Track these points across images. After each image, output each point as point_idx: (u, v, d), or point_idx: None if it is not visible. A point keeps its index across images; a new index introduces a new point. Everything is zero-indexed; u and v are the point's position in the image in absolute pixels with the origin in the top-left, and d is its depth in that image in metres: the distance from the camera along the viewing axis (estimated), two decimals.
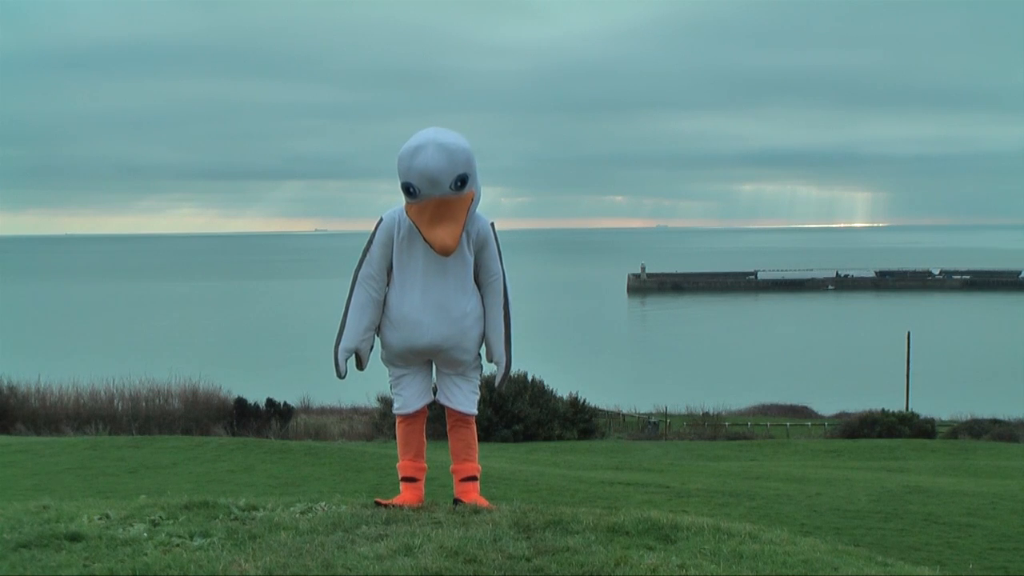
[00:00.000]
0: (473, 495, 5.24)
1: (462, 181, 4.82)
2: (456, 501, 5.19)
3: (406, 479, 5.31)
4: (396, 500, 5.23)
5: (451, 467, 5.33)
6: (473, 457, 5.29)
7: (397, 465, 5.36)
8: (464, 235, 4.98)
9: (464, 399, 5.17)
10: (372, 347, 5.13)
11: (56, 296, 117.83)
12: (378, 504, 5.20)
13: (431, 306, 4.95)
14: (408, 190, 4.83)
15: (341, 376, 5.02)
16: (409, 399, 5.19)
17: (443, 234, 4.78)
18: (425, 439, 5.38)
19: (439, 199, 4.80)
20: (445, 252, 4.80)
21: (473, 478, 5.28)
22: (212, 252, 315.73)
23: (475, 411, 5.22)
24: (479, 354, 5.18)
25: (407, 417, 5.24)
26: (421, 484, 5.33)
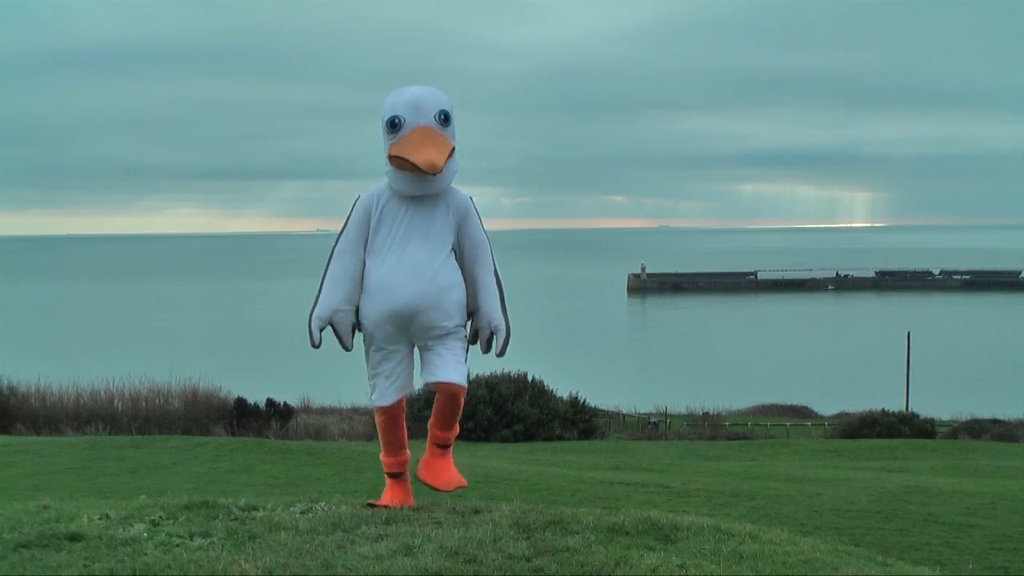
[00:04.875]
0: (445, 472, 5.18)
1: (445, 117, 4.89)
2: (418, 479, 5.19)
3: (391, 475, 5.34)
4: (384, 500, 5.28)
5: (428, 422, 5.23)
6: (451, 427, 5.19)
7: (380, 458, 5.36)
8: (444, 205, 5.00)
9: (449, 369, 4.95)
10: (353, 324, 5.05)
11: (56, 296, 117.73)
12: (371, 506, 5.23)
13: (406, 268, 4.91)
14: (392, 123, 4.85)
15: (315, 345, 4.96)
16: (386, 391, 5.10)
17: (430, 152, 4.78)
18: (405, 430, 5.33)
19: (424, 128, 4.84)
20: (433, 169, 4.76)
21: (447, 445, 5.22)
22: (212, 252, 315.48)
23: (464, 383, 5.02)
24: (463, 326, 5.07)
25: (384, 410, 5.17)
26: (406, 478, 5.35)
